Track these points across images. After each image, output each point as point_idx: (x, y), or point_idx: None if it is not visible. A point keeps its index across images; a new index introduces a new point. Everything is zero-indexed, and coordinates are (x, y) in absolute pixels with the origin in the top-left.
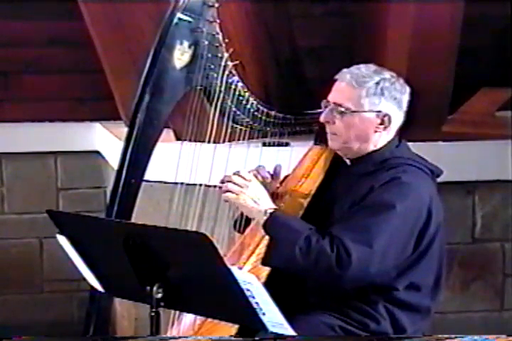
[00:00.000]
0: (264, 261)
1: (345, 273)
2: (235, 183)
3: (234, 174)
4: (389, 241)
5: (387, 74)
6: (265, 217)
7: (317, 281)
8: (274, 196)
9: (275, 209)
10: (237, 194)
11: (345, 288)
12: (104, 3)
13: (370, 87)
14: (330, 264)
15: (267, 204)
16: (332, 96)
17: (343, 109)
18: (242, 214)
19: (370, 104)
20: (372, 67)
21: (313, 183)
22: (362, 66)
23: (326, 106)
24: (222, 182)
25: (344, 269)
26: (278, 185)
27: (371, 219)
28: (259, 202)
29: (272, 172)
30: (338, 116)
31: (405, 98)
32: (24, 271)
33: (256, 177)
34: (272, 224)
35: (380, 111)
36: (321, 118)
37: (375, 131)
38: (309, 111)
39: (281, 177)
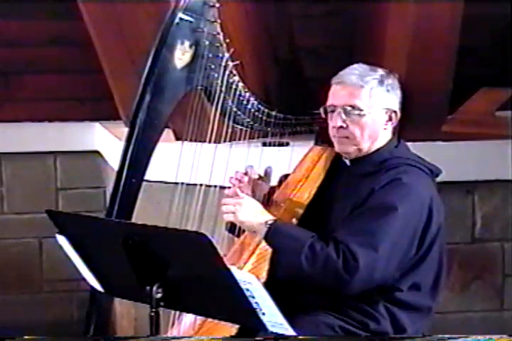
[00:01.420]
0: (270, 274)
1: (353, 278)
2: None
3: (225, 198)
4: (393, 244)
5: (383, 71)
6: (265, 229)
7: (322, 286)
8: (270, 198)
9: (274, 220)
10: (233, 213)
11: (352, 295)
12: (104, 3)
13: (375, 86)
14: (337, 270)
15: (265, 216)
16: (338, 100)
17: (356, 112)
18: None
19: (378, 102)
20: (364, 66)
21: (314, 183)
22: (356, 67)
23: (332, 111)
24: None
25: (352, 274)
26: (269, 185)
27: (374, 223)
28: (256, 215)
29: (262, 173)
30: (348, 119)
31: (400, 93)
32: (24, 271)
33: (240, 190)
34: (273, 234)
35: (388, 108)
36: (337, 124)
37: (384, 129)
38: (310, 112)
39: (272, 178)
